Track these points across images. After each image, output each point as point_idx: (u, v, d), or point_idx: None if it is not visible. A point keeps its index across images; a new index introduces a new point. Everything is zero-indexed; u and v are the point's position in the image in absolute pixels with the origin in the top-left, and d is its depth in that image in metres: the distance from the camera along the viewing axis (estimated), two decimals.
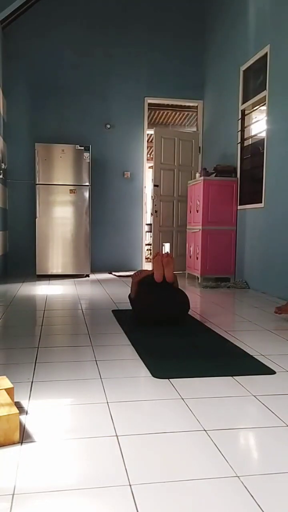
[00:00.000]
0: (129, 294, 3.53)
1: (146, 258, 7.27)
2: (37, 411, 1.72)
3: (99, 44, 6.51)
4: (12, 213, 6.45)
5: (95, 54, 6.52)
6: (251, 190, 5.26)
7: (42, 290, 4.89)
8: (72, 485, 1.24)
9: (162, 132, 6.87)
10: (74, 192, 5.98)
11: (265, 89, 4.77)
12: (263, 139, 4.88)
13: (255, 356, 2.43)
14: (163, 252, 3.31)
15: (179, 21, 6.69)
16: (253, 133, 5.36)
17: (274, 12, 4.64)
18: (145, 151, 6.79)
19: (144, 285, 3.28)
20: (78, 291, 4.79)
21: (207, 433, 1.54)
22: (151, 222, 6.86)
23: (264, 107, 4.93)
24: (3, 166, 5.76)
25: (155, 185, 6.68)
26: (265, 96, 4.80)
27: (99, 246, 6.64)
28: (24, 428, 1.57)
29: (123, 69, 6.59)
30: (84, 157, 5.96)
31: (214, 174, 5.57)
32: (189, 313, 3.43)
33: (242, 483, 1.25)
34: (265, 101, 4.83)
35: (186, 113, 8.37)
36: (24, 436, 1.52)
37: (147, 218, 7.52)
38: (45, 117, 6.46)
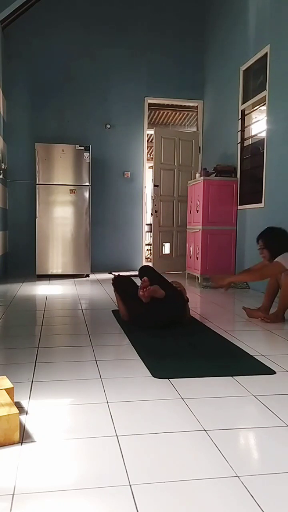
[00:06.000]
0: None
1: (146, 258, 7.27)
2: (37, 411, 1.72)
3: (99, 44, 6.51)
4: (12, 213, 6.45)
5: (95, 54, 6.52)
6: (251, 190, 5.26)
7: (42, 290, 4.89)
8: (72, 485, 1.24)
9: (162, 132, 6.87)
10: (74, 192, 5.98)
11: (265, 89, 4.77)
12: (263, 139, 4.88)
13: (255, 356, 2.42)
14: (142, 283, 3.10)
15: (179, 21, 6.69)
16: (253, 133, 5.36)
17: (274, 12, 4.64)
18: (145, 151, 6.79)
19: (130, 298, 3.14)
20: (78, 291, 4.79)
21: (207, 433, 1.54)
22: (151, 222, 6.86)
23: (264, 107, 4.93)
24: (3, 166, 5.76)
25: (155, 185, 6.68)
26: (265, 96, 4.80)
27: (99, 246, 6.64)
28: (24, 428, 1.57)
29: (123, 69, 6.59)
30: (84, 157, 5.95)
31: (214, 174, 5.57)
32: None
33: (242, 483, 1.25)
34: (265, 101, 4.83)
35: (186, 113, 8.37)
36: (24, 436, 1.52)
37: (147, 218, 7.52)
38: (45, 117, 6.46)
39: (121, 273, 3.46)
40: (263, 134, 4.92)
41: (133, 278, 3.46)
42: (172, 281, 3.21)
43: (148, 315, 3.01)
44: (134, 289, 3.21)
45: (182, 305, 3.13)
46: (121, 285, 3.27)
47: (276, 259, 3.22)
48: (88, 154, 5.95)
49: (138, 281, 3.30)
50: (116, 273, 3.47)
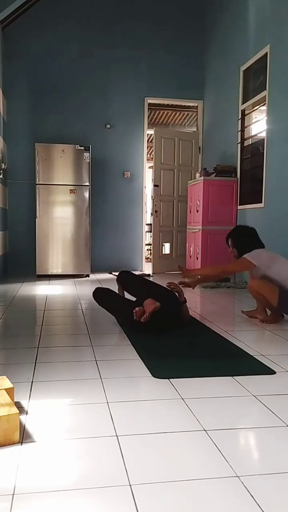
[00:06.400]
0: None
1: (146, 258, 7.27)
2: (37, 411, 1.72)
3: (99, 44, 6.51)
4: (12, 213, 6.45)
5: (95, 54, 6.52)
6: (251, 190, 5.26)
7: (42, 290, 4.89)
8: (72, 485, 1.24)
9: (162, 132, 6.87)
10: (74, 192, 5.98)
11: (265, 89, 4.77)
12: (263, 139, 4.88)
13: (255, 356, 2.42)
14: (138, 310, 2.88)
15: (179, 20, 6.69)
16: (253, 133, 5.36)
17: (274, 12, 4.64)
18: (145, 151, 6.79)
19: (120, 314, 3.13)
20: (78, 291, 4.79)
21: (207, 433, 1.54)
22: (151, 222, 6.85)
23: (264, 107, 4.93)
24: (3, 166, 5.76)
25: (155, 185, 6.68)
26: (265, 96, 4.80)
27: (99, 246, 6.64)
28: (24, 428, 1.57)
29: (123, 69, 6.59)
30: (84, 157, 5.95)
31: (214, 174, 5.57)
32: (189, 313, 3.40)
33: (242, 483, 1.25)
34: (265, 101, 4.83)
35: (186, 113, 8.37)
36: (24, 436, 1.52)
37: (147, 218, 7.52)
38: (45, 117, 6.46)
39: None
40: (263, 134, 4.92)
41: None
42: (169, 282, 3.16)
43: (148, 326, 2.95)
44: (119, 303, 3.14)
45: (179, 304, 3.07)
46: (104, 303, 3.24)
47: (243, 256, 3.24)
48: (88, 154, 5.95)
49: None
50: (116, 273, 3.45)
